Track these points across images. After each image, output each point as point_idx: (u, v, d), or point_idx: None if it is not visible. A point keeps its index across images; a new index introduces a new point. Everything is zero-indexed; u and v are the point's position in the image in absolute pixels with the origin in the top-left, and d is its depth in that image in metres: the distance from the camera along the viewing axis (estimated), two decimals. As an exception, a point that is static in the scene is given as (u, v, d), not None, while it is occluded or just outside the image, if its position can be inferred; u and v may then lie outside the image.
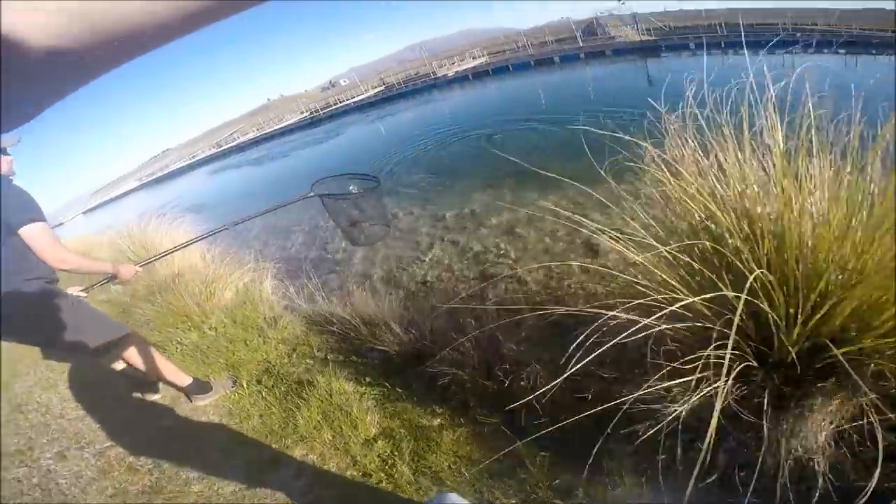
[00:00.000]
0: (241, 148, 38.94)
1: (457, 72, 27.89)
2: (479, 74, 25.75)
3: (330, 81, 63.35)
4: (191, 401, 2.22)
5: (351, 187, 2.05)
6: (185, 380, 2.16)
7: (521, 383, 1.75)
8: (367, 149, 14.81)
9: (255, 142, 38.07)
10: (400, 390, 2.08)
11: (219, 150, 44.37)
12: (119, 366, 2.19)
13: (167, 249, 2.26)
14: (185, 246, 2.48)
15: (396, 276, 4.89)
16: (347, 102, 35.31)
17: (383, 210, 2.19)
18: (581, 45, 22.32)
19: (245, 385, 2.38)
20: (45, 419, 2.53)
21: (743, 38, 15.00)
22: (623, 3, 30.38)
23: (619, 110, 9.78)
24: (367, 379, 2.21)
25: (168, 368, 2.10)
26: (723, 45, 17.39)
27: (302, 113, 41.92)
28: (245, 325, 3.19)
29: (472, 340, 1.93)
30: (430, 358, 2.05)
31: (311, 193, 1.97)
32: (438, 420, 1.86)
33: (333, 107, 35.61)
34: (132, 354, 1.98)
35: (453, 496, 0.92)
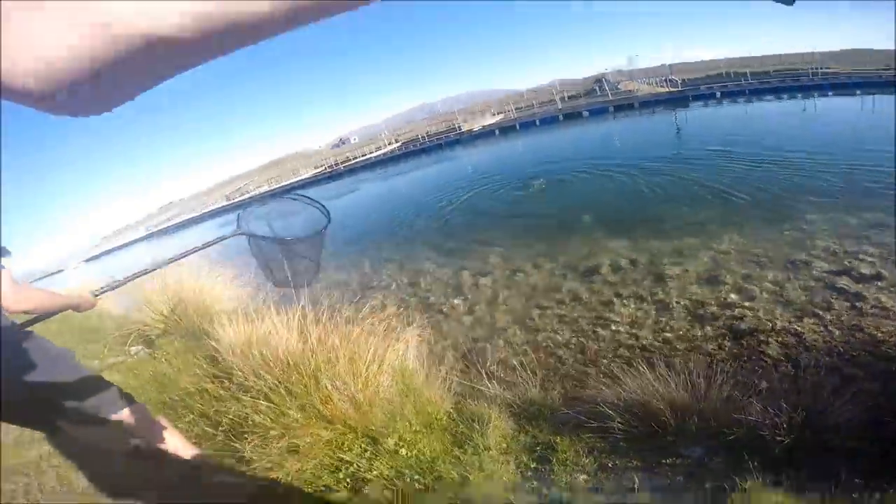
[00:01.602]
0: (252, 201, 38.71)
1: (483, 126, 28.44)
2: (504, 129, 26.19)
3: (340, 139, 65.54)
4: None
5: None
6: None
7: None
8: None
9: (270, 195, 37.88)
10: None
11: (228, 203, 44.28)
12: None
13: (123, 279, 1.74)
14: (134, 278, 1.74)
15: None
16: (368, 157, 35.72)
17: (319, 248, 1.78)
18: (610, 97, 22.90)
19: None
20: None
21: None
22: (632, 59, 32.16)
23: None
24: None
25: None
26: (746, 93, 17.90)
27: (316, 168, 42.50)
28: (434, 426, 2.18)
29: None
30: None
31: (238, 230, 1.56)
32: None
33: (352, 161, 36.03)
34: None
35: None
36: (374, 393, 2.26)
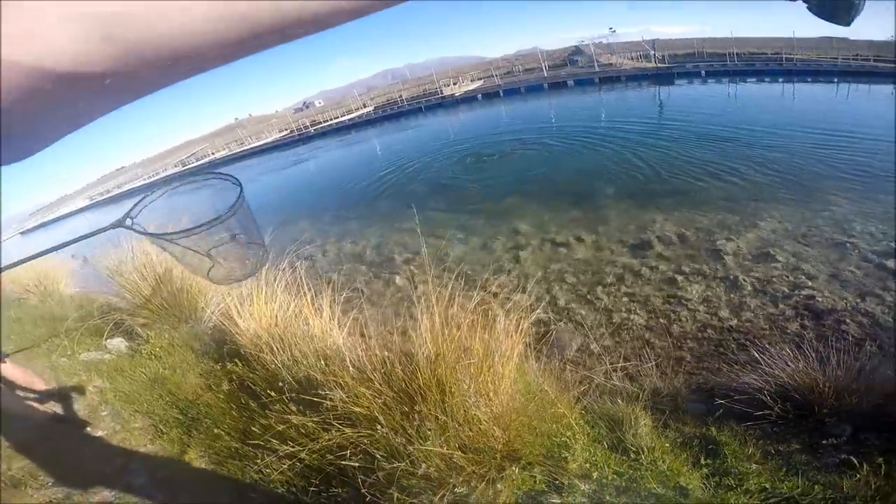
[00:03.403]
0: (213, 166, 35.93)
1: (466, 91, 27.35)
2: (488, 95, 25.35)
3: (304, 102, 61.37)
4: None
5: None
6: None
7: None
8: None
9: (233, 159, 35.28)
10: None
11: (184, 168, 40.72)
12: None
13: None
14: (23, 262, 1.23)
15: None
16: (342, 119, 33.69)
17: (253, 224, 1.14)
18: (596, 69, 22.60)
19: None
20: None
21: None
22: (614, 32, 31.92)
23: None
24: None
25: None
26: (730, 73, 18.31)
27: (281, 131, 39.79)
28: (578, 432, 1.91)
29: None
30: None
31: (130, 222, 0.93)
32: None
33: (324, 124, 33.85)
34: None
35: None
36: (508, 401, 1.90)
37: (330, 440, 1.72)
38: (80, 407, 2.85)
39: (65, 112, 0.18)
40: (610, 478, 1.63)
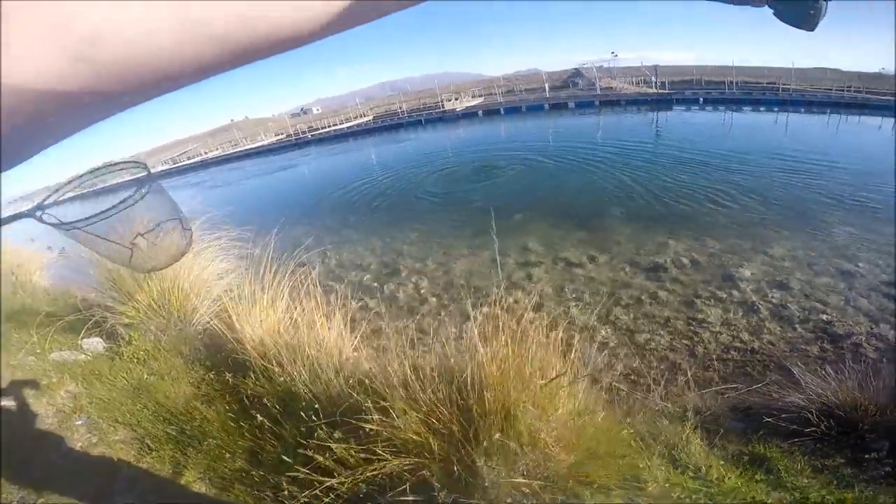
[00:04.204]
0: (204, 165, 35.44)
1: (468, 107, 27.64)
2: (489, 112, 25.65)
3: (302, 108, 61.42)
4: None
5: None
6: None
7: None
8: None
9: (225, 160, 34.85)
10: None
11: (174, 166, 40.01)
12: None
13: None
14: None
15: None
16: (340, 126, 33.69)
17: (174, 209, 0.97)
18: (598, 92, 23.14)
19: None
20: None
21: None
22: (615, 56, 32.87)
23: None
24: None
25: None
26: (726, 101, 18.90)
27: (277, 135, 39.67)
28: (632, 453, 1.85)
29: None
30: None
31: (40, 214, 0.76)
32: None
33: (321, 130, 33.79)
34: None
35: None
36: (566, 422, 1.81)
37: (375, 470, 1.54)
38: (48, 414, 2.54)
39: (42, 128, 0.18)
40: (693, 497, 1.55)
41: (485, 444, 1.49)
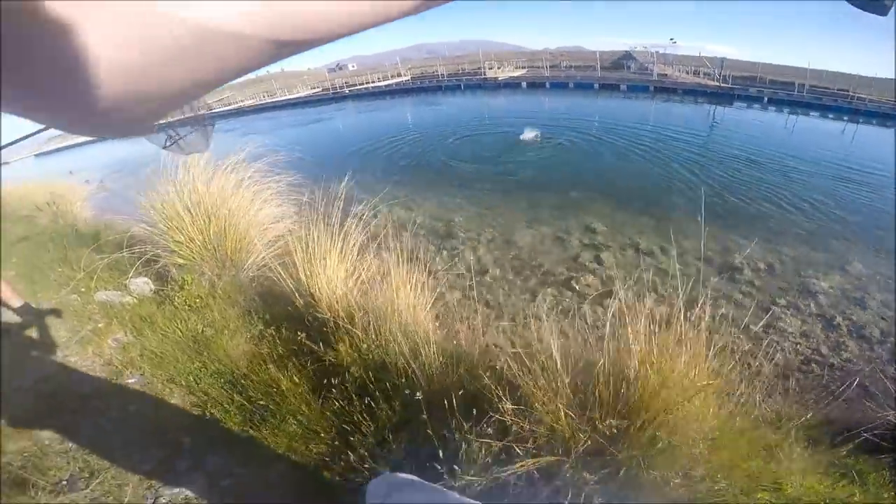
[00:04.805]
0: (241, 112, 35.53)
1: (510, 77, 26.69)
2: (532, 85, 24.76)
3: (338, 64, 60.07)
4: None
5: None
6: None
7: None
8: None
9: (260, 109, 34.89)
10: None
11: (210, 111, 40.22)
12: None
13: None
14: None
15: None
16: (378, 84, 33.12)
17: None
18: (653, 77, 21.99)
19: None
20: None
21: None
22: (674, 42, 30.87)
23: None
24: None
25: None
26: (792, 104, 17.72)
27: (313, 88, 39.28)
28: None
29: None
30: None
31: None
32: None
33: (358, 86, 33.31)
34: None
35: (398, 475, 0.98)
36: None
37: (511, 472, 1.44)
38: (94, 368, 2.28)
39: (219, 70, 0.18)
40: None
41: (645, 442, 1.48)
